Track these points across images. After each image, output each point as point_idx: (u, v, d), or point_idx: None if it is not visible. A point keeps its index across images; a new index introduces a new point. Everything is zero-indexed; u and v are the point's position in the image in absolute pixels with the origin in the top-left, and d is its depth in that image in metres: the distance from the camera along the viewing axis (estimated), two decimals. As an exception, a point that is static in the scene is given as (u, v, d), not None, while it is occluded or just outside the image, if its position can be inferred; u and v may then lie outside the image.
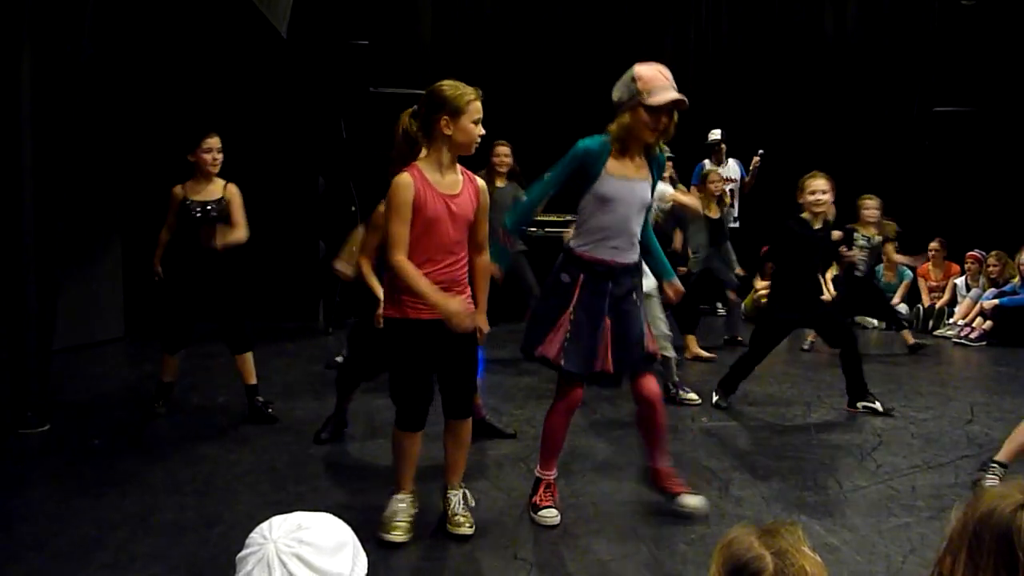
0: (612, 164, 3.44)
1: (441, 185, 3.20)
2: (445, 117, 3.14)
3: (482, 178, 5.50)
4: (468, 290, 3.35)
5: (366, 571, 1.50)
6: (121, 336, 7.43)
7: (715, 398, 5.45)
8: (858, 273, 7.11)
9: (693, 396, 5.50)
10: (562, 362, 3.46)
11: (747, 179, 8.75)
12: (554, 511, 3.57)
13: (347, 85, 8.03)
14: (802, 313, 5.39)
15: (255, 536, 1.44)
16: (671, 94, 3.34)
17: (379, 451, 4.49)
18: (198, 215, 4.82)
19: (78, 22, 4.73)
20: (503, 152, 6.52)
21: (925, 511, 3.73)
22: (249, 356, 5.01)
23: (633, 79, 3.38)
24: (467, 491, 3.51)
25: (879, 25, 9.52)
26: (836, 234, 6.88)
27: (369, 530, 3.27)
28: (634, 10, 9.28)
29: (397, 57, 8.52)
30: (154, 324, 7.45)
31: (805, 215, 5.26)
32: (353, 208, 7.86)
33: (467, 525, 3.40)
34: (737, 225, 8.37)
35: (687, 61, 9.44)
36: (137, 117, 7.39)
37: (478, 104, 3.19)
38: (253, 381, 5.02)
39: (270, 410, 5.00)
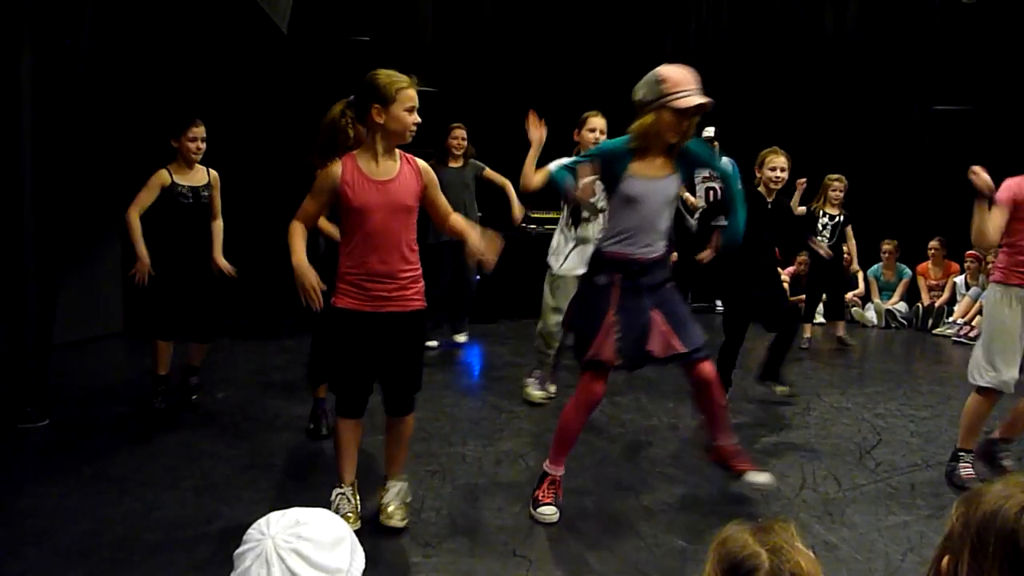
0: (636, 165, 3.46)
1: (375, 173, 3.22)
2: (376, 106, 3.16)
3: (434, 161, 5.54)
4: (417, 283, 3.34)
5: (363, 566, 1.50)
6: (120, 331, 7.42)
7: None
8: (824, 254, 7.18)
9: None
10: (617, 362, 3.48)
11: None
12: (553, 508, 3.56)
13: (348, 81, 8.02)
14: (763, 292, 5.27)
15: (253, 532, 1.44)
16: (698, 97, 3.33)
17: (377, 447, 4.48)
18: (189, 200, 4.86)
19: (79, 18, 4.72)
20: (459, 135, 6.73)
21: (924, 509, 3.74)
22: (205, 348, 5.18)
23: (659, 80, 3.37)
24: (406, 484, 3.52)
25: (879, 23, 9.51)
26: (799, 209, 6.95)
27: (366, 526, 3.28)
28: (635, 8, 9.27)
29: (398, 53, 8.50)
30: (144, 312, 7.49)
31: (760, 189, 5.25)
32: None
33: (398, 517, 3.40)
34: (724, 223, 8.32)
35: (687, 59, 9.37)
36: (137, 113, 7.38)
37: (411, 92, 3.19)
38: (196, 364, 5.19)
39: (194, 397, 5.14)
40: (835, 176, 7.37)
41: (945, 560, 1.30)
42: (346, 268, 3.27)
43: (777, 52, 9.41)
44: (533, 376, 5.43)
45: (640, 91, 3.44)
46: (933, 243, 8.85)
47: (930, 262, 8.98)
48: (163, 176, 4.85)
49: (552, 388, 5.44)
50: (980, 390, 4.01)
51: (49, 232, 4.75)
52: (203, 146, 4.91)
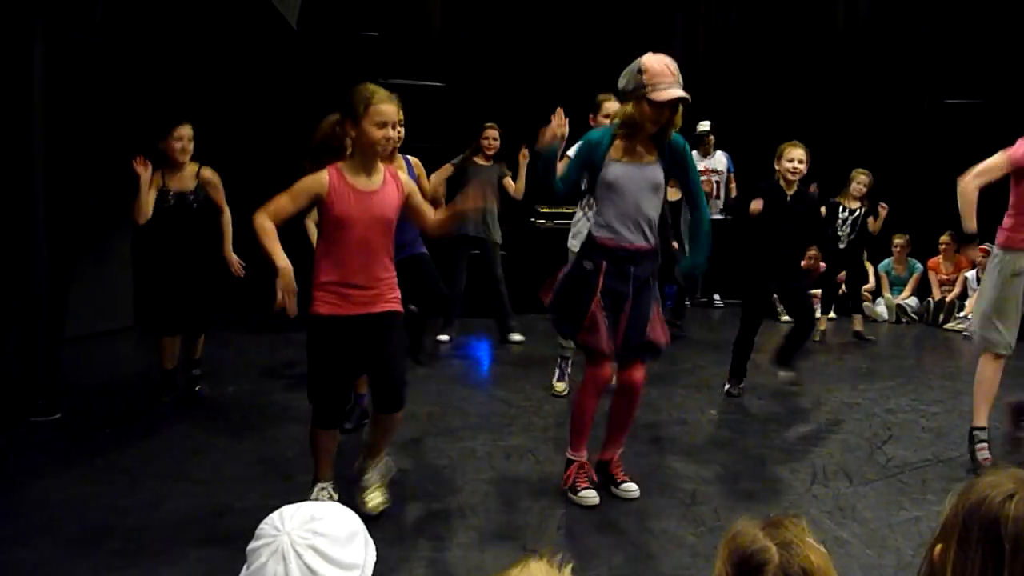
0: (616, 150, 3.52)
1: (359, 183, 3.26)
2: (348, 120, 3.23)
3: (466, 155, 6.28)
4: (394, 289, 3.39)
5: (375, 559, 1.50)
6: (131, 325, 7.44)
7: (727, 387, 5.45)
8: (841, 245, 7.26)
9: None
10: (606, 349, 3.55)
11: (731, 175, 8.73)
12: (593, 492, 3.66)
13: (357, 76, 8.02)
14: (778, 281, 5.40)
15: (266, 528, 1.43)
16: (674, 91, 3.36)
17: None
18: (171, 204, 4.86)
19: (89, 14, 4.73)
20: (492, 135, 6.77)
21: (935, 505, 3.72)
22: (201, 340, 5.18)
23: (640, 71, 3.39)
24: (389, 459, 3.60)
25: (890, 17, 9.45)
26: (822, 210, 6.87)
27: (374, 521, 3.28)
28: (644, 3, 9.23)
29: (407, 49, 8.50)
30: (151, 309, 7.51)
31: (780, 182, 5.31)
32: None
33: (378, 501, 3.49)
34: (721, 217, 8.22)
35: (697, 53, 9.39)
36: (147, 107, 7.39)
37: (383, 107, 3.20)
38: (197, 356, 5.20)
39: (197, 388, 5.15)
40: (861, 170, 7.35)
41: (937, 549, 1.32)
42: (324, 276, 3.28)
43: (788, 46, 9.37)
44: (556, 372, 5.46)
45: (623, 79, 3.48)
46: (944, 238, 8.80)
47: (941, 257, 8.92)
48: (156, 179, 4.88)
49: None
50: (986, 353, 4.09)
51: (60, 227, 4.77)
52: (189, 146, 4.89)
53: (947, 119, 9.28)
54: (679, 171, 3.67)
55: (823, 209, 7.07)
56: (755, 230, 5.52)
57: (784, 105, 9.16)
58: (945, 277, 8.88)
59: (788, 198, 5.31)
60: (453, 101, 8.45)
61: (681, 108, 3.46)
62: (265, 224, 3.22)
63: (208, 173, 4.97)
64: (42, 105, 4.63)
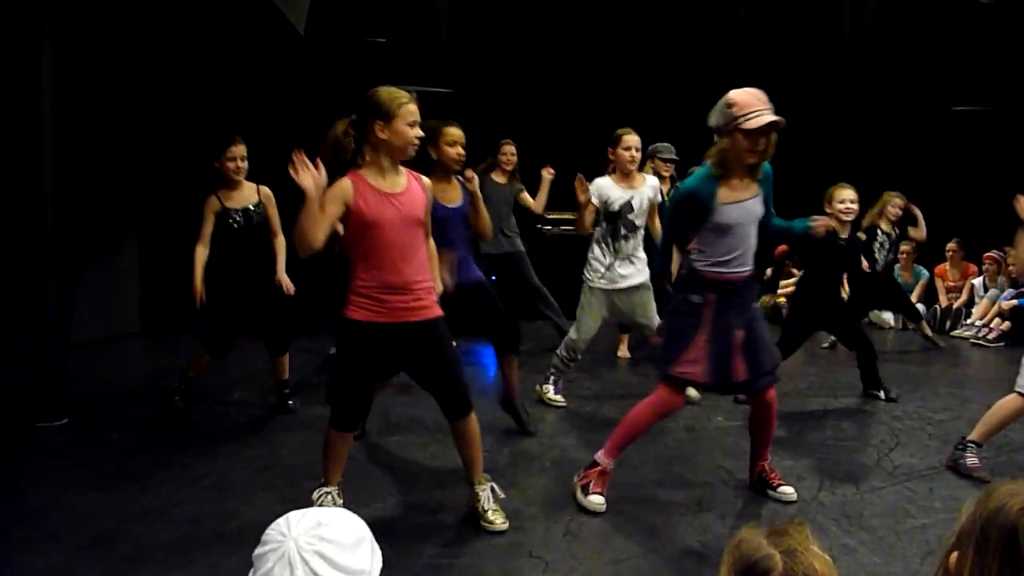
0: (723, 193, 3.54)
1: (384, 186, 3.22)
2: (379, 122, 3.18)
3: (482, 171, 5.73)
4: (431, 294, 3.36)
5: (381, 565, 1.50)
6: (138, 330, 7.47)
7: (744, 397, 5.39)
8: (877, 267, 7.12)
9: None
10: (705, 380, 3.65)
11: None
12: (602, 499, 3.67)
13: (364, 82, 8.05)
14: (825, 315, 5.46)
15: (273, 533, 1.43)
16: (767, 117, 3.39)
17: (394, 448, 4.51)
18: (240, 223, 4.84)
19: (98, 20, 4.75)
20: (509, 151, 6.63)
21: (942, 512, 3.71)
22: (286, 358, 5.12)
23: (728, 105, 3.43)
24: (494, 485, 3.52)
25: (897, 24, 9.44)
26: (860, 236, 6.86)
27: (382, 527, 3.28)
28: (651, 10, 9.24)
29: (414, 55, 8.52)
30: (173, 318, 7.52)
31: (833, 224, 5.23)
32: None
33: (499, 521, 3.44)
34: None
35: (704, 62, 9.39)
36: (155, 113, 7.43)
37: (411, 107, 3.20)
38: (285, 377, 5.16)
39: (289, 403, 5.11)
40: (894, 193, 7.25)
41: (953, 556, 1.32)
42: (361, 282, 3.24)
43: (794, 54, 9.36)
44: (549, 381, 5.43)
45: (712, 118, 3.51)
46: (951, 244, 8.79)
47: (948, 263, 8.90)
48: (213, 203, 4.84)
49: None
50: (1017, 394, 4.02)
51: (68, 231, 4.79)
52: (243, 165, 4.86)
53: (954, 126, 9.27)
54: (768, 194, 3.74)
55: (861, 235, 6.92)
56: (808, 266, 5.60)
57: (791, 113, 9.13)
58: (952, 284, 8.86)
59: (840, 240, 5.36)
60: (461, 108, 8.47)
61: (774, 135, 3.49)
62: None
63: (268, 192, 4.96)
64: (50, 111, 4.65)
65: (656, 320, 5.14)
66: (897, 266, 8.91)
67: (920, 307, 8.67)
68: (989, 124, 9.11)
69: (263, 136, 7.71)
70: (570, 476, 3.90)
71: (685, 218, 3.68)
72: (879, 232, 7.12)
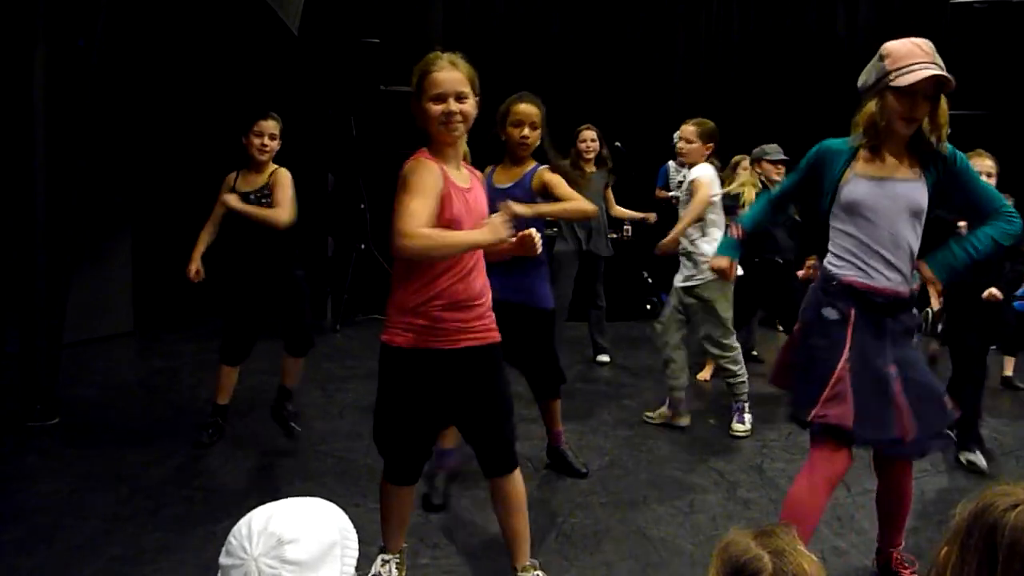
0: (860, 164, 2.76)
1: (457, 179, 2.65)
2: (413, 100, 2.66)
3: (567, 166, 4.49)
4: (492, 314, 2.74)
5: (356, 555, 1.47)
6: (131, 331, 7.44)
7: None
8: None
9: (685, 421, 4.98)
10: (854, 428, 2.66)
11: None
12: None
13: (358, 83, 8.04)
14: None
15: (235, 546, 1.39)
16: (929, 70, 2.60)
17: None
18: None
19: (91, 18, 4.74)
20: (588, 137, 5.99)
21: (934, 515, 3.72)
22: (300, 363, 4.64)
23: (881, 57, 2.72)
24: (541, 573, 2.91)
25: (891, 27, 9.44)
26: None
27: (374, 530, 3.27)
28: (645, 11, 9.25)
29: (408, 55, 8.48)
30: (166, 319, 7.50)
31: None
32: (362, 206, 7.86)
33: None
34: None
35: (698, 63, 9.41)
36: (148, 112, 7.41)
37: (436, 76, 2.58)
38: (291, 384, 4.67)
39: (292, 424, 4.65)
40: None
41: (943, 552, 1.35)
42: (419, 298, 2.57)
43: (788, 55, 9.38)
44: (735, 410, 4.92)
45: (863, 75, 2.82)
46: (944, 248, 8.78)
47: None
48: (227, 180, 4.41)
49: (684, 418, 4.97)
50: None
51: (60, 230, 4.77)
52: (270, 143, 4.34)
53: (949, 130, 9.29)
54: (957, 190, 2.80)
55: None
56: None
57: (783, 115, 9.17)
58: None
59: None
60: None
61: (945, 102, 2.72)
62: (425, 233, 2.45)
63: (282, 173, 4.38)
64: (43, 109, 4.63)
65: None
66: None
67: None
68: (985, 128, 9.13)
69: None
70: (561, 476, 3.90)
71: (805, 172, 2.93)
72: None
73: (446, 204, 2.55)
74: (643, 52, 9.08)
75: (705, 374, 6.09)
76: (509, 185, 3.76)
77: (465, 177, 2.72)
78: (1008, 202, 2.91)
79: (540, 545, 3.34)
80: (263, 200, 4.30)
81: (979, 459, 4.33)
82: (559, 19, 9.12)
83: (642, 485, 4.03)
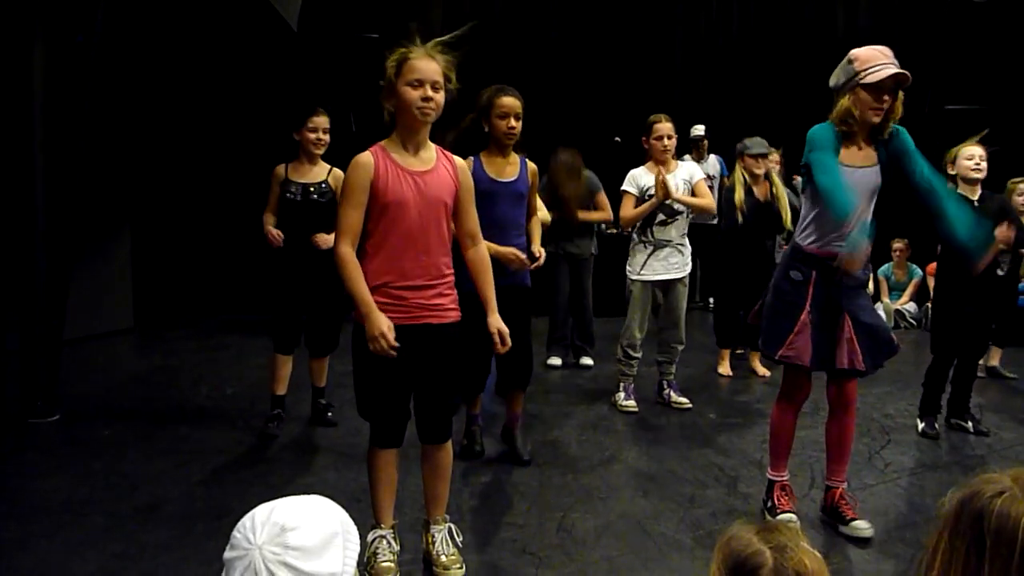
0: (844, 153, 3.34)
1: (408, 162, 2.83)
2: (385, 86, 2.85)
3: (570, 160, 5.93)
4: (454, 293, 2.97)
5: (358, 551, 1.47)
6: (131, 327, 7.45)
7: (921, 426, 4.91)
8: (1000, 272, 5.35)
9: (684, 400, 5.29)
10: (809, 362, 3.36)
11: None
12: (792, 515, 3.48)
13: (357, 78, 8.04)
14: (976, 305, 4.77)
15: (239, 538, 1.40)
16: (890, 69, 3.20)
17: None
18: (297, 199, 4.48)
19: (90, 15, 4.74)
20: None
21: (933, 510, 3.70)
22: (325, 362, 4.78)
23: (850, 61, 3.28)
24: (452, 526, 3.13)
25: (890, 23, 9.47)
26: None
27: (372, 523, 3.28)
28: (644, 8, 9.25)
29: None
30: (166, 315, 7.50)
31: (961, 190, 4.72)
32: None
33: (456, 567, 3.02)
34: (715, 222, 8.16)
35: (697, 59, 9.41)
36: (147, 109, 7.41)
37: (414, 63, 2.77)
38: (322, 384, 4.84)
39: (329, 415, 4.82)
40: (1020, 179, 5.89)
41: (932, 538, 1.34)
42: (375, 277, 2.81)
43: (787, 52, 9.38)
44: (620, 389, 5.29)
45: (834, 78, 3.36)
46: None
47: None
48: (278, 171, 4.55)
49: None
50: None
51: (60, 227, 4.78)
52: (324, 138, 4.51)
53: (947, 125, 9.29)
54: (899, 161, 3.39)
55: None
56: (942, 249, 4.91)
57: (782, 111, 9.18)
58: (944, 282, 8.86)
59: (975, 204, 4.62)
60: (457, 106, 8.46)
61: (902, 94, 3.30)
62: (347, 263, 2.76)
63: (338, 174, 4.49)
64: (42, 107, 4.64)
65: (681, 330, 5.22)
66: (890, 264, 8.96)
67: (912, 306, 8.71)
68: (982, 123, 9.13)
69: (257, 132, 7.74)
70: (562, 471, 3.91)
71: (833, 152, 3.33)
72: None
73: (381, 191, 2.77)
74: (640, 50, 9.08)
75: (724, 368, 6.23)
76: (513, 179, 3.99)
77: (427, 160, 2.89)
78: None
79: (540, 538, 3.35)
80: (321, 195, 4.50)
81: (969, 427, 4.86)
82: (556, 15, 9.12)
83: (642, 480, 4.04)
